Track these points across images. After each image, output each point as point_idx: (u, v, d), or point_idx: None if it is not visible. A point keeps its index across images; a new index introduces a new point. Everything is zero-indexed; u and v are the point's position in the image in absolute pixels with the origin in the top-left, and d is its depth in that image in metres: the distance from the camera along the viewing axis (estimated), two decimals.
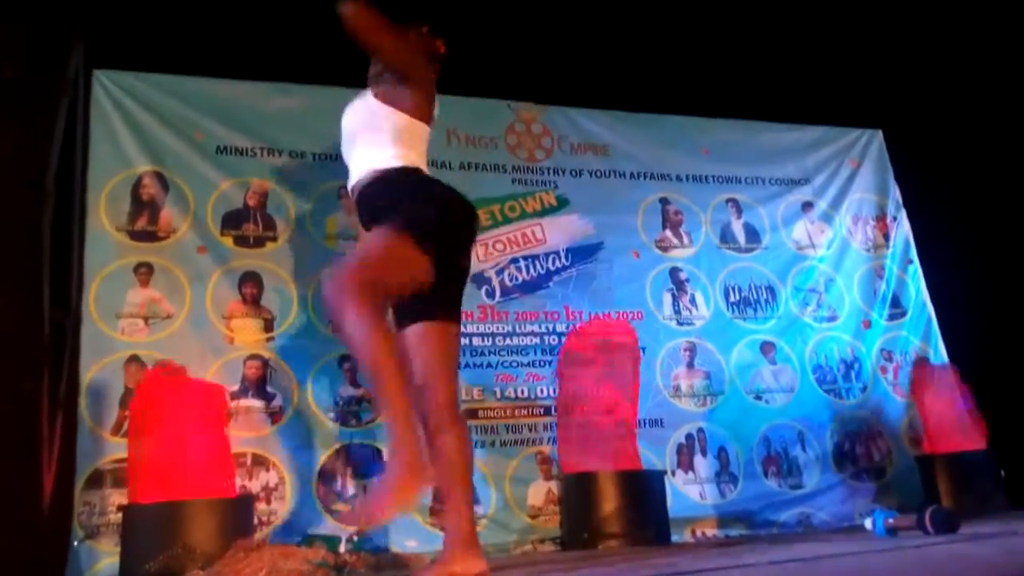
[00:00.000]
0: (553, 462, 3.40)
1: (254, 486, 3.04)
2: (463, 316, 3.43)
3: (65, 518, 2.78)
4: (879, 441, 3.93)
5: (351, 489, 3.16)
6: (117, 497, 2.86)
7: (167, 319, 3.18)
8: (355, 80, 3.68)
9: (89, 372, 3.01)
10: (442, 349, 1.97)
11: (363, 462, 3.21)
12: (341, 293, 1.72)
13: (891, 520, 2.54)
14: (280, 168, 3.54)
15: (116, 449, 2.93)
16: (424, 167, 2.13)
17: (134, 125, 3.36)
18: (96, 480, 2.90)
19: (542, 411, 3.51)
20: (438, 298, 1.95)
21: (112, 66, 3.39)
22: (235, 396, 3.16)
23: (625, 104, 4.17)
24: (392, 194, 2.02)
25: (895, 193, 4.50)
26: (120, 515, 2.67)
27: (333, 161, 3.61)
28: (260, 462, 3.10)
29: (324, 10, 3.54)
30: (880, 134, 4.59)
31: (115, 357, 3.07)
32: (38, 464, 2.63)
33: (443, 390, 1.93)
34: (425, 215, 1.92)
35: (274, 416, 3.18)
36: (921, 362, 4.05)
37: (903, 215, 4.45)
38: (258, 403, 3.18)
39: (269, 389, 3.21)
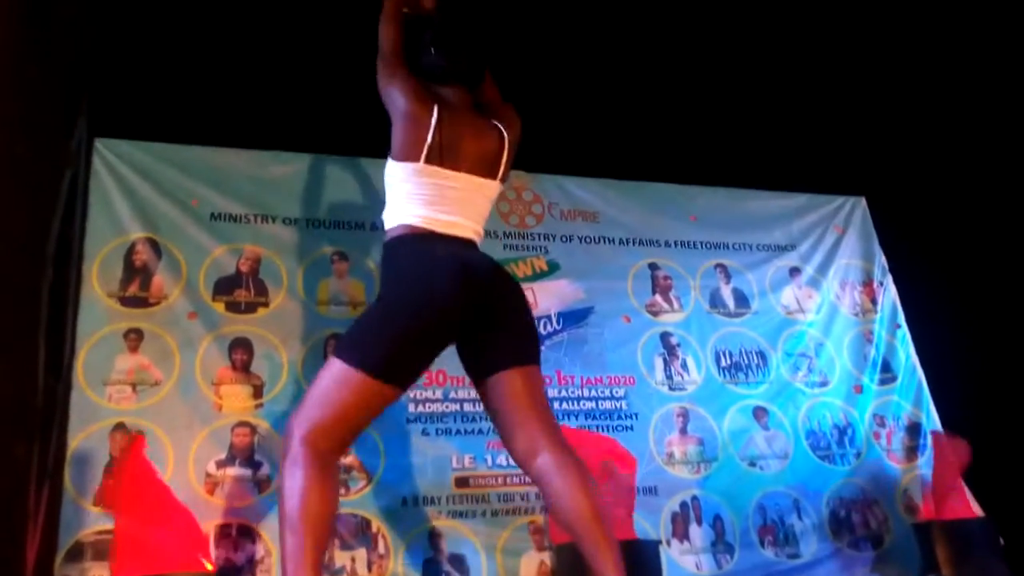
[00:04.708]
0: (545, 532, 3.33)
1: (239, 558, 2.96)
2: (454, 382, 3.47)
3: None
4: (875, 508, 3.87)
5: (338, 562, 3.07)
6: (98, 571, 2.76)
7: (155, 386, 3.14)
8: (349, 148, 3.77)
9: (75, 440, 2.95)
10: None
11: (351, 533, 3.13)
12: (287, 442, 1.65)
13: None
14: (274, 234, 3.56)
15: (99, 520, 2.85)
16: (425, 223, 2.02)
17: (129, 192, 3.38)
18: (77, 553, 2.80)
19: None
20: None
21: (109, 134, 3.43)
22: (221, 465, 3.10)
23: (614, 172, 4.24)
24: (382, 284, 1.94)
25: (880, 259, 4.55)
26: None
27: (326, 227, 3.65)
28: (246, 533, 3.02)
29: (320, 79, 3.64)
30: (863, 201, 4.67)
31: (101, 425, 3.02)
32: (23, 535, 2.55)
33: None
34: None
35: (261, 485, 3.12)
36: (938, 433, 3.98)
37: (889, 280, 4.50)
38: (245, 472, 3.12)
39: (257, 457, 3.15)
